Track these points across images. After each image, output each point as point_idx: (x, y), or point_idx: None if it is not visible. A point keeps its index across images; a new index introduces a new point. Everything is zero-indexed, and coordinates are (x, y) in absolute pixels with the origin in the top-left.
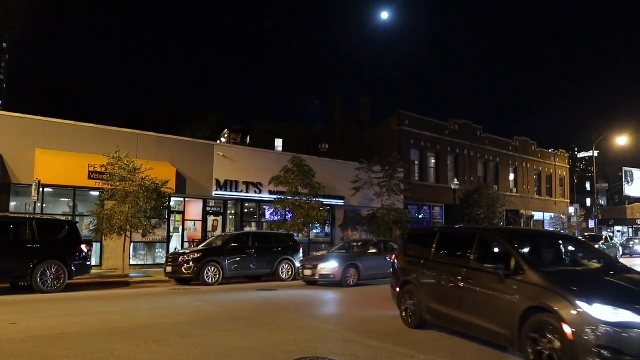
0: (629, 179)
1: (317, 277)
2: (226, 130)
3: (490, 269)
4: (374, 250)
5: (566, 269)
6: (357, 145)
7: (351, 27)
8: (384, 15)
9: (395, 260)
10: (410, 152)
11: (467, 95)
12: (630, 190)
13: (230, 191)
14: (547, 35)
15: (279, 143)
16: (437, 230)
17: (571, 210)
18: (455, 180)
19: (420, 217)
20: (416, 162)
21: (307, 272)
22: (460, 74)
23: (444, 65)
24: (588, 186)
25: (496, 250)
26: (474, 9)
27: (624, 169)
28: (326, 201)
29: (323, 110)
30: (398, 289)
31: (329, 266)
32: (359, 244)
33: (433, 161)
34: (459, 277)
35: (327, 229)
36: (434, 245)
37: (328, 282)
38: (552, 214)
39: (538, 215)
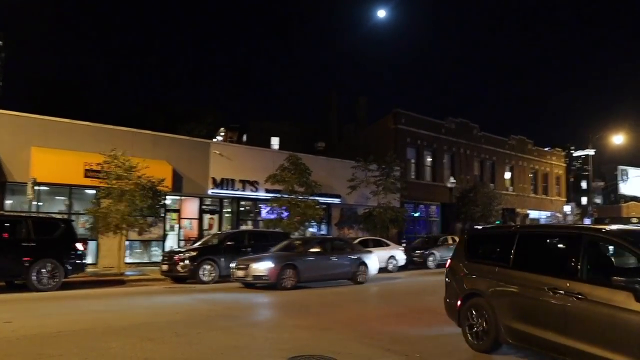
0: (624, 178)
1: (249, 278)
2: (223, 128)
3: (620, 282)
4: (316, 250)
5: None
6: (354, 143)
7: (349, 25)
8: (381, 13)
9: (452, 267)
10: (406, 150)
11: (464, 93)
12: (625, 188)
13: (227, 189)
14: (544, 34)
15: (275, 141)
16: (517, 229)
17: (566, 208)
18: (452, 178)
19: (416, 215)
20: (412, 161)
21: (240, 273)
22: (458, 73)
23: (442, 63)
24: (584, 185)
25: (616, 257)
26: (472, 8)
27: (620, 167)
28: (322, 199)
29: (320, 109)
30: (459, 303)
31: (263, 266)
32: (301, 242)
33: (429, 159)
34: (560, 292)
35: (324, 228)
36: (513, 249)
37: (262, 284)
38: (549, 213)
39: (534, 214)
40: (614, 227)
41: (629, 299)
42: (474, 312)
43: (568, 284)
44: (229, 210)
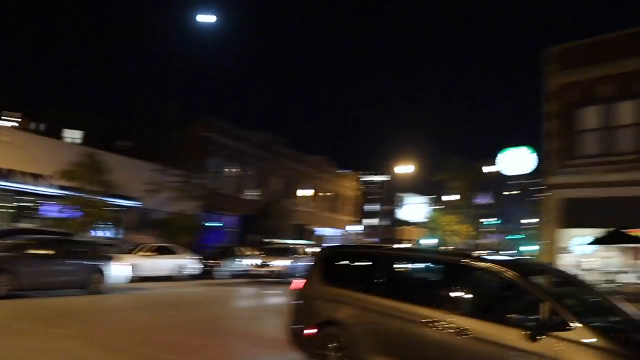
0: (400, 204)
1: None
2: (12, 112)
3: (515, 320)
4: (45, 252)
5: (610, 321)
6: (160, 146)
7: (170, 29)
8: (209, 18)
9: (304, 290)
10: (212, 159)
11: (278, 108)
12: (401, 213)
13: (6, 181)
14: (360, 60)
15: (72, 134)
16: (386, 252)
17: (352, 228)
18: (252, 191)
19: (215, 225)
20: (217, 170)
21: None
22: (277, 87)
23: (262, 75)
24: (374, 207)
25: (505, 290)
26: (288, 24)
27: (397, 194)
28: (120, 201)
29: (129, 107)
30: (312, 331)
31: None
32: (27, 242)
33: (234, 170)
34: (441, 326)
35: (118, 231)
36: (383, 274)
37: None
38: (338, 231)
39: (326, 231)
40: (501, 257)
41: (521, 338)
42: (330, 344)
43: (450, 318)
44: (8, 205)
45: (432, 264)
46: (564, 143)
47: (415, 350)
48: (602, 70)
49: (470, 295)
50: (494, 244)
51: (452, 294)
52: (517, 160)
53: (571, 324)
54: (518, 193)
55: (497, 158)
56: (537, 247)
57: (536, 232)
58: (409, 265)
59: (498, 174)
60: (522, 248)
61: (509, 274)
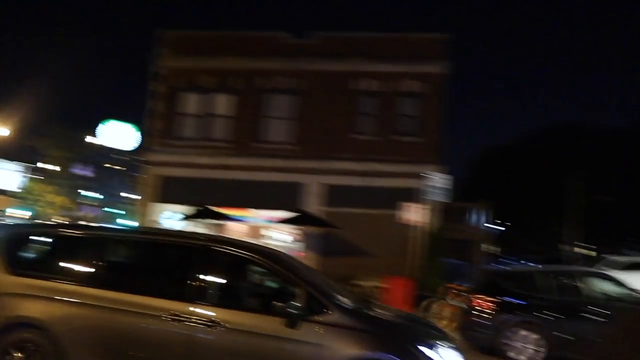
0: None
1: None
2: None
3: (276, 308)
4: None
5: (347, 301)
6: None
7: None
8: None
9: None
10: None
11: None
12: None
13: None
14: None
15: None
16: (106, 233)
17: None
18: None
19: None
20: None
21: None
22: None
23: None
24: None
25: (257, 277)
26: None
27: None
28: None
29: None
30: None
31: None
32: None
33: None
34: (188, 319)
35: None
36: (103, 260)
37: None
38: None
39: None
40: (248, 242)
41: (280, 325)
42: (22, 354)
43: (197, 309)
44: None
45: (169, 248)
46: (166, 124)
47: (155, 351)
48: (206, 63)
49: (220, 283)
50: (89, 216)
51: (197, 283)
52: (120, 134)
53: (328, 308)
54: (122, 168)
55: (99, 129)
56: (134, 222)
57: (135, 207)
58: (139, 250)
59: (102, 146)
60: (120, 221)
61: (260, 259)
